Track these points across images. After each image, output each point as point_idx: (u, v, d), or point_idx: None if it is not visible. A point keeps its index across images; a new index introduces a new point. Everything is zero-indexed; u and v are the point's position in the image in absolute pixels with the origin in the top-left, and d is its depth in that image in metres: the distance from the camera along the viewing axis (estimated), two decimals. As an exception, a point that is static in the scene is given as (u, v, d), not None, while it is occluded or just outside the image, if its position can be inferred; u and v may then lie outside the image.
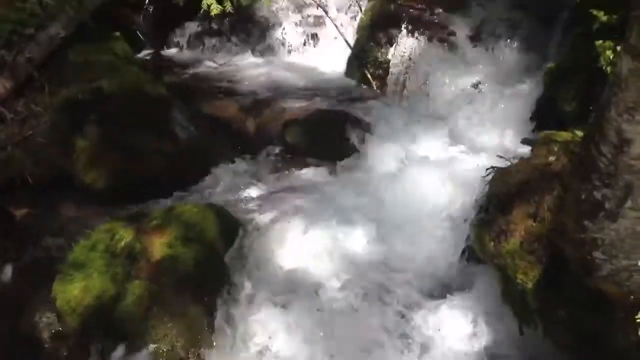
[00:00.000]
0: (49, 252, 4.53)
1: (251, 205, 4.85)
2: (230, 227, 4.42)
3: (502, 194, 4.02)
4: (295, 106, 5.98)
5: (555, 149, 4.14)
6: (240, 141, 5.82)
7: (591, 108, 4.61)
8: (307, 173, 5.40)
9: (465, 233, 4.25)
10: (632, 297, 2.95)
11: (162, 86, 5.84)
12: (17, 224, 4.85)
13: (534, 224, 3.76)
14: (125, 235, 4.22)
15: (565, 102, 5.03)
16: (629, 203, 2.63)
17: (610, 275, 2.89)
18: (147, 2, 6.56)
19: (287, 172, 5.43)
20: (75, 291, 4.07)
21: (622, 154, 2.52)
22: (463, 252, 4.29)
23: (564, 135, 4.32)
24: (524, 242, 3.74)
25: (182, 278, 4.07)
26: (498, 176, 4.20)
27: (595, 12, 4.59)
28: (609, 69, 4.42)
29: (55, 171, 5.06)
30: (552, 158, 4.05)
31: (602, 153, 2.59)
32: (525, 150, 4.68)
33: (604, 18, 4.56)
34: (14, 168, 4.95)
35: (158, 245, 4.17)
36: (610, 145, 2.55)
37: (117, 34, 6.21)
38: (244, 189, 5.13)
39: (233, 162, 5.55)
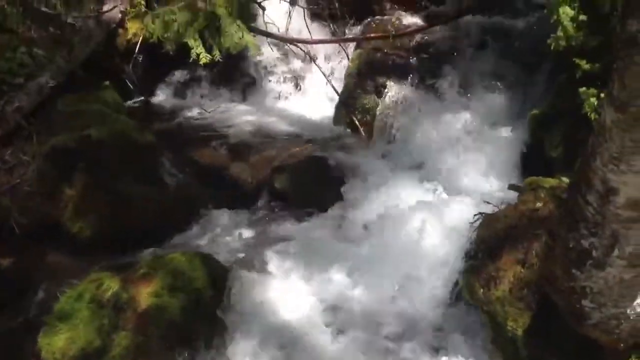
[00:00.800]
0: (35, 302, 4.46)
1: (239, 253, 4.84)
2: (219, 275, 4.38)
3: (490, 240, 4.05)
4: (284, 153, 6.01)
5: (542, 195, 4.18)
6: (228, 188, 5.82)
7: (577, 156, 4.69)
8: (295, 220, 5.39)
9: (454, 279, 4.25)
10: (621, 344, 2.95)
11: (151, 134, 5.86)
12: (2, 274, 4.79)
13: (523, 270, 3.78)
14: (111, 285, 4.17)
15: (551, 147, 5.09)
16: (616, 252, 2.65)
17: (599, 323, 2.90)
18: (137, 51, 6.60)
19: (275, 218, 5.43)
20: (60, 343, 3.99)
21: (609, 203, 2.55)
22: (451, 297, 4.29)
23: (551, 182, 4.37)
24: (513, 289, 3.75)
25: (169, 328, 4.02)
26: (486, 222, 4.23)
27: (577, 60, 4.69)
28: (593, 115, 4.50)
29: (42, 220, 5.03)
30: (539, 204, 4.09)
31: (589, 202, 2.62)
32: (513, 195, 4.71)
33: (587, 66, 4.66)
34: (0, 217, 4.91)
35: (145, 295, 4.12)
36: (596, 194, 2.58)
37: (107, 82, 6.26)
38: (231, 236, 5.12)
39: (221, 209, 5.53)
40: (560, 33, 4.70)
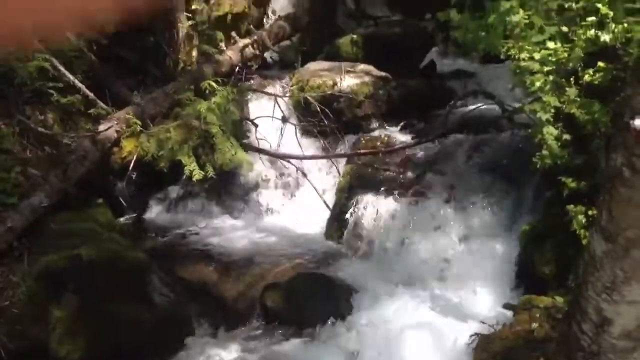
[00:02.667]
0: None
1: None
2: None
3: (487, 364, 3.98)
4: (275, 270, 5.98)
5: (537, 315, 4.16)
6: (219, 307, 5.75)
7: (569, 273, 4.71)
8: (288, 339, 5.29)
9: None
10: None
11: (141, 252, 5.85)
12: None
13: (522, 397, 3.70)
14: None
15: (543, 264, 5.10)
16: (615, 382, 2.61)
17: None
18: (130, 168, 6.70)
19: (267, 338, 5.32)
20: None
21: (604, 333, 2.54)
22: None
23: (545, 301, 4.36)
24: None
25: None
26: (482, 344, 4.18)
27: (564, 179, 4.79)
28: (582, 232, 4.55)
29: (29, 343, 4.91)
30: (534, 325, 4.06)
31: (584, 331, 2.61)
32: (507, 313, 4.68)
33: (573, 185, 4.75)
34: (-13, 342, 4.80)
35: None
36: (591, 323, 2.57)
37: (100, 200, 6.31)
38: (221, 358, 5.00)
39: (212, 329, 5.44)
40: (545, 152, 4.81)
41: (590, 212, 4.51)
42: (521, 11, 4.79)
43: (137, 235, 6.70)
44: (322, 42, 9.43)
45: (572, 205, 4.68)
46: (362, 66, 8.21)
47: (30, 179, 5.86)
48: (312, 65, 8.45)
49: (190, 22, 7.94)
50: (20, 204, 5.55)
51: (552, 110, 4.68)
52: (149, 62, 7.78)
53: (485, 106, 7.07)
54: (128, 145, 6.80)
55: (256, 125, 7.53)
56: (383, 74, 8.00)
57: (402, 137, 7.16)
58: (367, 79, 7.88)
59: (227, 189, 7.49)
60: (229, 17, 8.79)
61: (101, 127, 6.52)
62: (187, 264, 6.22)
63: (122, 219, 6.96)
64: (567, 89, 4.73)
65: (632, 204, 2.21)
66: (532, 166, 4.95)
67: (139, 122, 6.62)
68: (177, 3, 7.70)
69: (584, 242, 4.17)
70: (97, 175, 6.64)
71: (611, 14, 4.49)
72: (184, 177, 6.75)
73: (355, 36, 8.90)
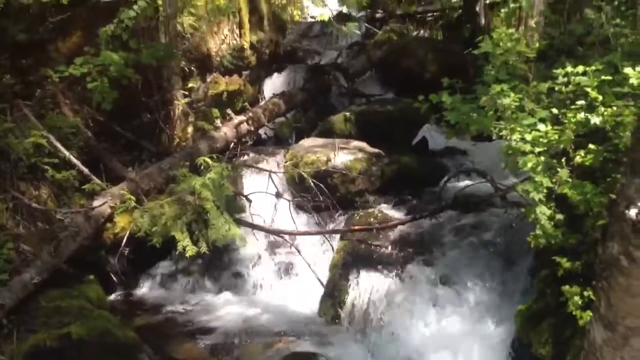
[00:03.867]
0: None
1: None
2: None
3: None
4: (268, 350, 5.88)
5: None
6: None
7: (566, 355, 4.64)
8: None
9: None
10: None
11: (132, 330, 5.77)
12: None
13: None
14: None
15: (539, 345, 5.02)
16: None
17: None
18: (123, 244, 6.66)
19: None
20: None
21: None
22: None
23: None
24: None
25: None
26: None
27: (558, 259, 4.78)
28: (578, 313, 4.51)
29: None
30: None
31: (586, 421, 2.56)
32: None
33: (568, 265, 4.74)
34: None
35: None
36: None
37: (91, 277, 6.25)
38: None
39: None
40: (539, 231, 4.82)
41: (585, 293, 4.48)
42: (512, 94, 4.90)
43: (128, 312, 6.61)
44: (316, 119, 9.61)
45: (567, 286, 4.64)
46: (355, 143, 8.34)
47: (22, 254, 5.81)
48: (306, 142, 8.57)
49: (186, 100, 8.08)
50: (11, 281, 5.48)
51: (545, 191, 4.72)
52: (145, 138, 7.85)
53: (477, 184, 7.14)
54: (121, 221, 6.79)
55: (250, 201, 7.56)
56: (376, 150, 8.11)
57: (395, 214, 7.19)
58: (360, 155, 7.98)
59: (220, 265, 7.44)
60: (225, 94, 8.97)
61: (95, 203, 6.52)
62: (177, 342, 6.11)
63: (112, 295, 6.87)
64: (558, 169, 4.79)
65: (630, 293, 2.21)
66: (526, 245, 4.95)
67: (133, 198, 6.64)
68: (174, 82, 7.86)
69: (581, 323, 4.14)
70: (89, 250, 6.59)
71: (600, 97, 4.60)
72: (177, 252, 6.70)
73: (348, 113, 9.06)
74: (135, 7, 7.07)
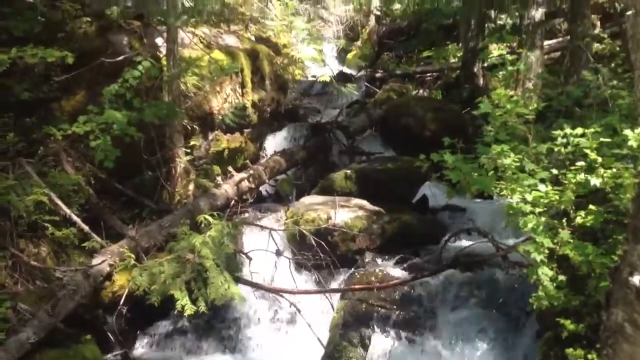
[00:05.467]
0: None
1: None
2: None
3: None
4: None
5: None
6: None
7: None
8: None
9: None
10: None
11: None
12: None
13: None
14: None
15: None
16: None
17: None
18: (121, 302, 6.59)
19: None
20: None
21: None
22: None
23: None
24: None
25: None
26: None
27: (562, 320, 4.74)
28: (582, 377, 4.44)
29: None
30: None
31: None
32: None
33: (572, 327, 4.70)
34: None
35: None
36: None
37: (88, 336, 6.17)
38: None
39: None
40: (541, 293, 4.78)
41: (590, 357, 4.43)
42: (512, 154, 4.95)
43: (123, 374, 6.50)
44: (316, 176, 9.65)
45: (571, 349, 4.60)
46: (356, 200, 8.35)
47: (20, 313, 5.74)
48: (307, 199, 8.58)
49: (188, 157, 8.13)
50: (7, 340, 5.40)
51: (546, 252, 4.71)
52: (146, 195, 7.86)
53: (478, 243, 7.12)
54: (120, 279, 6.74)
55: (250, 259, 7.51)
56: (377, 208, 8.12)
57: (396, 272, 7.13)
58: (361, 213, 7.98)
59: (219, 324, 7.35)
60: (226, 152, 9.04)
61: (94, 261, 6.48)
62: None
63: (109, 355, 6.75)
64: (560, 230, 4.79)
65: (635, 360, 2.18)
66: (528, 306, 4.91)
67: (132, 256, 6.60)
68: (176, 140, 7.93)
69: (586, 387, 4.08)
70: (87, 309, 6.52)
71: (600, 159, 4.64)
72: (175, 311, 6.62)
73: (349, 171, 9.10)
74: (139, 67, 7.19)
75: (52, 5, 7.83)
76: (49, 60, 6.64)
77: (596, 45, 9.98)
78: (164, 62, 7.92)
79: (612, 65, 6.73)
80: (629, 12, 3.77)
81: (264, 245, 7.70)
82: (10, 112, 7.13)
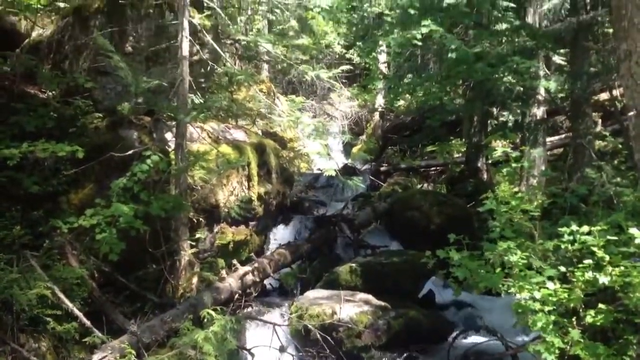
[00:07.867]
0: None
1: None
2: None
3: None
4: None
5: None
6: None
7: None
8: None
9: None
10: None
11: None
12: None
13: None
14: None
15: None
16: None
17: None
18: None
19: None
20: None
21: None
22: None
23: None
24: None
25: None
26: None
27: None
28: None
29: None
30: None
31: None
32: None
33: None
34: None
35: None
36: None
37: None
38: None
39: None
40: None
41: None
42: (519, 252, 4.93)
43: None
44: (321, 269, 9.58)
45: None
46: (361, 295, 8.25)
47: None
48: (312, 293, 8.48)
49: (193, 250, 8.11)
50: None
51: (557, 352, 4.61)
52: (149, 289, 7.78)
53: (487, 341, 6.96)
54: (121, 375, 6.56)
55: (253, 355, 7.35)
56: (382, 303, 8.01)
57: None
58: (366, 308, 7.87)
59: None
60: (231, 244, 9.02)
61: (94, 357, 6.33)
62: None
63: None
64: (570, 329, 4.70)
65: None
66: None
67: (133, 352, 6.45)
68: (181, 232, 7.93)
69: None
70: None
71: (607, 257, 4.62)
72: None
73: (354, 265, 9.04)
74: (148, 160, 7.29)
75: (65, 102, 8.03)
76: (59, 154, 6.75)
77: (598, 143, 10.13)
78: (172, 155, 8.04)
79: (615, 162, 6.80)
80: (631, 113, 3.85)
81: (267, 341, 7.54)
82: (18, 204, 7.18)
